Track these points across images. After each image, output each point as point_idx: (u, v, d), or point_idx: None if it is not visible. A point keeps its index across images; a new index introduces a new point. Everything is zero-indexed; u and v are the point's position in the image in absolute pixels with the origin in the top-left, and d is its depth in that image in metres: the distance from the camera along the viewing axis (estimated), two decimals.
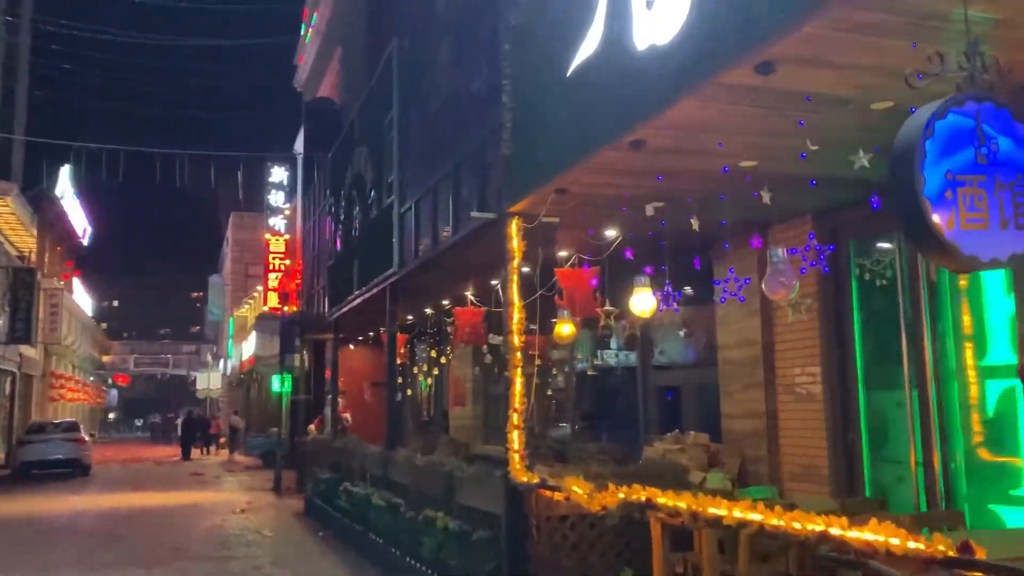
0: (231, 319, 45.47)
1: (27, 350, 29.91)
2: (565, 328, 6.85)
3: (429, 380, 16.66)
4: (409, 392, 17.90)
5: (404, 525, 8.73)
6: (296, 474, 18.22)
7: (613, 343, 12.64)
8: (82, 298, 47.71)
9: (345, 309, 14.31)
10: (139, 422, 73.63)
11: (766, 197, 5.24)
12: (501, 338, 11.26)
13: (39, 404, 35.36)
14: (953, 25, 3.51)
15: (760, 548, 5.60)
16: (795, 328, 7.47)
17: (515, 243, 6.95)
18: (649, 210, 5.60)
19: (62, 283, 36.89)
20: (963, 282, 6.22)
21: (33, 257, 29.45)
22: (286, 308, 20.50)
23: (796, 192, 6.21)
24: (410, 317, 15.03)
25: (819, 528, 3.64)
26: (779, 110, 4.61)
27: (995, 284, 6.15)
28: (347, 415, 18.46)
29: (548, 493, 6.31)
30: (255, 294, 38.95)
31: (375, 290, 12.01)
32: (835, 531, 3.73)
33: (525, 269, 6.94)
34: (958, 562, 3.21)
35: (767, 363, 7.68)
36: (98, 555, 10.26)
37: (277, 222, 28.11)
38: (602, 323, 6.97)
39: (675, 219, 6.87)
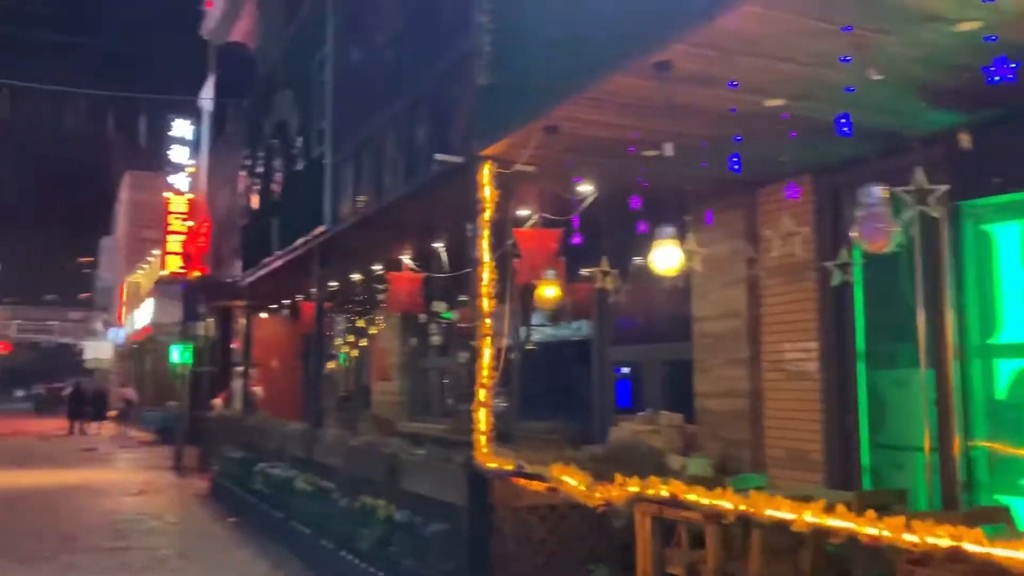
0: (124, 285, 42.65)
1: None
2: (549, 290, 5.93)
3: (352, 352, 15.50)
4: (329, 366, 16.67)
5: (336, 513, 7.70)
6: (199, 452, 16.78)
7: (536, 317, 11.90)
8: None
9: (261, 273, 12.99)
10: (21, 393, 68.87)
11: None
12: (445, 305, 10.32)
13: None
14: None
15: (769, 545, 4.89)
16: (786, 299, 6.79)
17: (486, 192, 5.98)
18: (668, 150, 4.71)
19: None
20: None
21: None
22: (189, 273, 18.88)
23: (805, 143, 5.48)
24: (333, 284, 13.81)
25: (946, 543, 2.85)
26: (849, 25, 3.80)
27: (1011, 255, 5.59)
28: (258, 389, 17.10)
29: (525, 482, 5.43)
30: (151, 258, 36.47)
31: (299, 251, 10.80)
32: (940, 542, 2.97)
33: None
34: None
35: (751, 337, 6.99)
36: None
37: (179, 180, 26.06)
38: (599, 285, 6.07)
39: (662, 171, 6.05)
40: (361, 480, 8.05)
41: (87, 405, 30.09)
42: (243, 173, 14.44)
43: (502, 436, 10.20)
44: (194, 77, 27.02)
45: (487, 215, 5.98)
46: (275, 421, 11.53)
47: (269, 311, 17.54)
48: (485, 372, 5.90)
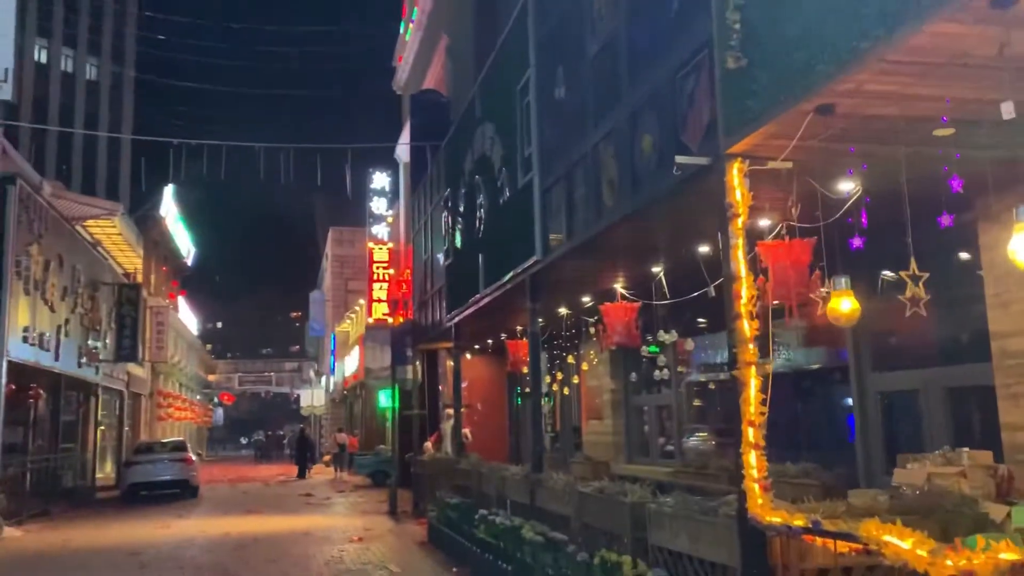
0: (332, 335, 44.98)
1: (134, 368, 29.69)
2: (845, 303, 4.91)
3: (563, 390, 14.87)
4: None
5: (571, 568, 6.96)
6: (413, 496, 16.74)
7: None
8: (187, 317, 48.18)
9: (467, 312, 12.70)
10: (244, 440, 74.46)
11: None
12: (669, 335, 9.43)
13: (147, 423, 35.37)
14: None
15: None
16: None
17: (738, 195, 5.11)
18: (1008, 111, 3.66)
19: (167, 302, 36.91)
20: None
21: (139, 276, 29.28)
22: (393, 319, 19.16)
23: None
24: (540, 319, 13.31)
25: None
26: None
27: None
28: (467, 431, 16.85)
29: (820, 541, 4.43)
30: (357, 308, 38.20)
31: (508, 286, 10.33)
32: None
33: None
34: None
35: None
36: None
37: (380, 230, 27.01)
38: (909, 294, 4.99)
39: (969, 149, 4.94)
40: (597, 531, 7.29)
41: (312, 450, 31.56)
42: (444, 213, 14.34)
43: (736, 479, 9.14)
44: (391, 130, 28.03)
45: (740, 222, 5.10)
46: (492, 465, 11.05)
47: (475, 351, 17.37)
48: (752, 407, 4.97)
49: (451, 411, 16.42)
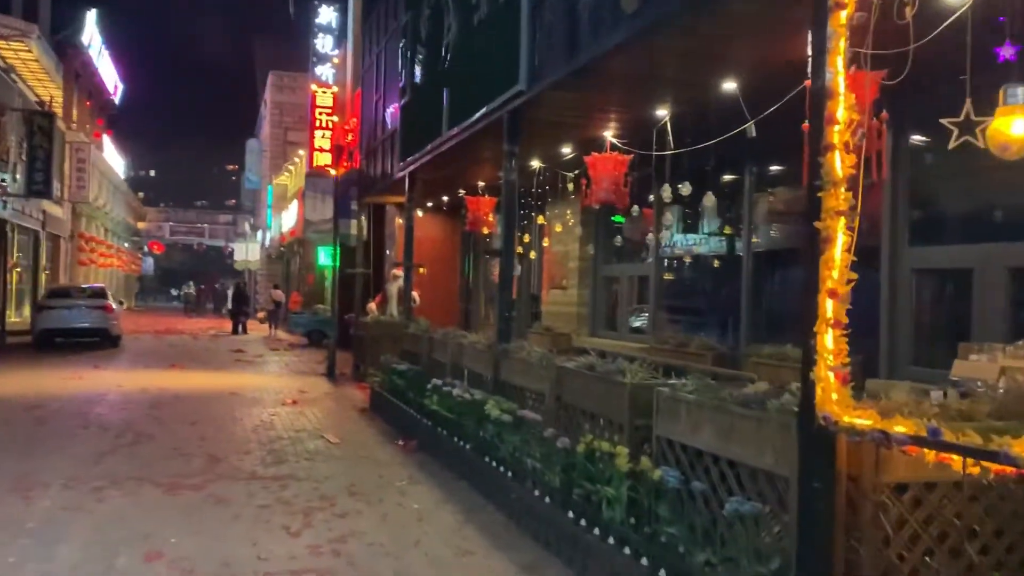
0: (270, 187, 42.64)
1: (52, 207, 27.31)
2: (1019, 124, 3.54)
3: (530, 254, 13.55)
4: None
5: (549, 456, 5.81)
6: (353, 359, 15.57)
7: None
8: (114, 160, 44.96)
9: (425, 159, 11.12)
10: (175, 292, 72.25)
11: None
12: (684, 187, 8.06)
13: (68, 267, 33.16)
14: None
15: None
16: None
17: None
18: None
19: (89, 138, 33.98)
20: None
21: (56, 107, 26.47)
22: (336, 169, 17.34)
23: None
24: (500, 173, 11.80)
25: None
26: None
27: None
28: (415, 294, 15.56)
29: (909, 450, 3.26)
30: (296, 160, 35.88)
31: (479, 126, 8.78)
32: None
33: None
34: None
35: None
36: (106, 464, 7.57)
37: (325, 71, 24.63)
38: (956, 141, 3.69)
39: None
40: (578, 414, 6.13)
41: (246, 305, 30.03)
42: (403, 44, 12.45)
43: (730, 361, 8.04)
44: None
45: (845, 15, 3.65)
46: (447, 331, 9.81)
47: (426, 209, 15.85)
48: (835, 271, 3.67)
49: (399, 271, 15.06)
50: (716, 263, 9.52)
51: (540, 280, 13.90)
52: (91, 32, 36.39)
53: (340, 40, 24.83)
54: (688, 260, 9.89)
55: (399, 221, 17.34)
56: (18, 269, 26.15)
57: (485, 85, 8.50)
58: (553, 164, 10.30)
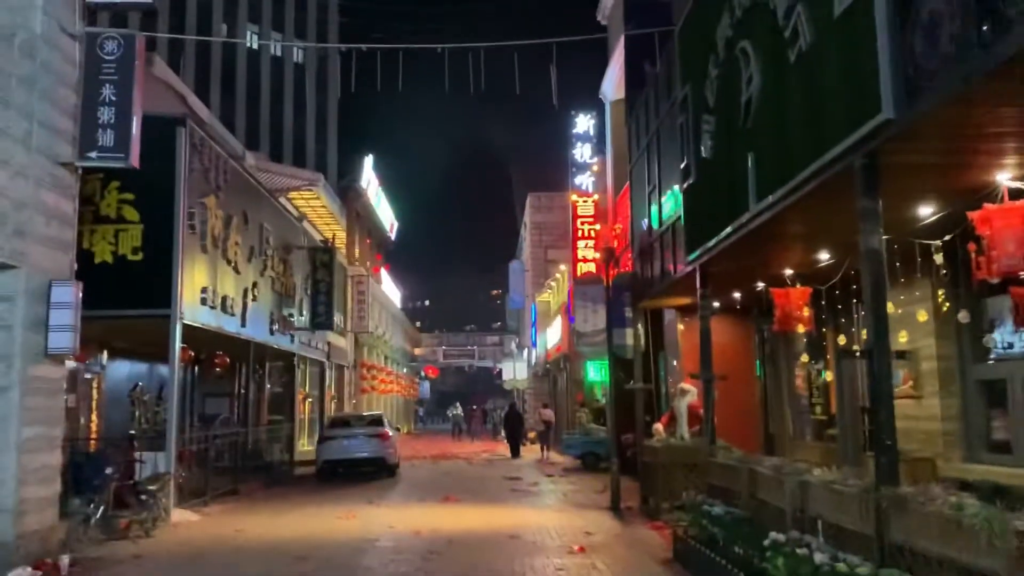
0: (533, 306, 42.57)
1: (335, 338, 28.53)
2: None
3: (853, 353, 10.84)
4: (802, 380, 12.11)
5: None
6: (640, 489, 13.45)
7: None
8: (392, 292, 47.65)
9: (725, 244, 9.08)
10: (449, 414, 74.73)
11: None
12: None
13: (351, 395, 34.54)
14: None
15: None
16: None
17: None
18: None
19: (367, 271, 35.93)
20: None
21: (340, 244, 28.05)
22: (607, 272, 15.74)
23: None
24: (824, 255, 9.44)
25: None
26: None
27: None
28: (701, 411, 13.28)
29: None
30: (557, 276, 35.36)
31: (811, 185, 6.64)
32: None
33: None
34: None
35: None
36: None
37: (584, 180, 23.73)
38: None
39: None
40: None
41: (521, 426, 29.17)
42: (681, 121, 10.73)
43: None
44: (596, 71, 24.57)
45: None
46: (784, 465, 7.43)
47: (715, 309, 13.65)
48: None
49: (688, 384, 12.88)
50: None
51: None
52: (368, 176, 39.27)
53: (598, 148, 23.98)
54: None
55: (680, 327, 15.27)
56: (310, 400, 27.27)
57: (814, 134, 6.42)
58: (899, 232, 7.80)
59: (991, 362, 8.88)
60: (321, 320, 22.66)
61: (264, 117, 57.71)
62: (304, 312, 22.34)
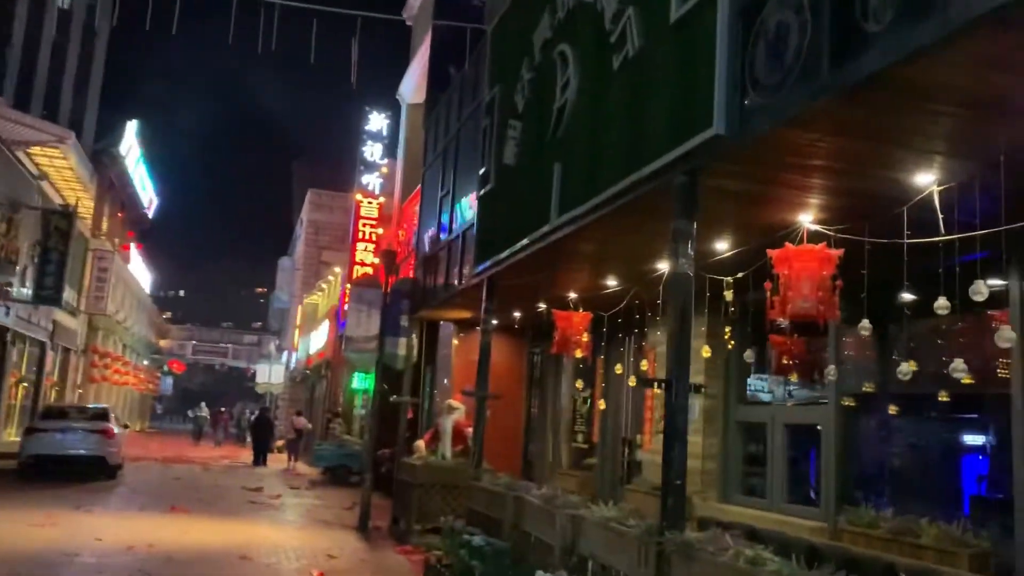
0: (299, 307, 40.52)
1: (63, 317, 25.10)
2: None
3: (626, 385, 10.76)
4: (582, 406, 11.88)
5: None
6: (392, 508, 12.62)
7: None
8: (141, 275, 43.30)
9: (519, 257, 8.55)
10: (190, 414, 69.55)
11: None
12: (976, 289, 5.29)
13: (77, 383, 30.61)
14: None
15: None
16: None
17: None
18: None
19: (114, 248, 32.22)
20: None
21: (84, 213, 24.79)
22: (383, 279, 14.87)
23: None
24: (612, 281, 9.23)
25: None
26: None
27: None
28: (469, 430, 12.74)
29: None
30: (330, 278, 33.82)
31: (621, 201, 6.23)
32: None
33: None
34: None
35: None
36: None
37: (372, 180, 22.76)
38: None
39: None
40: None
41: (270, 434, 27.08)
42: (486, 124, 10.17)
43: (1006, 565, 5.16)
44: (394, 71, 23.73)
45: None
46: (556, 496, 6.91)
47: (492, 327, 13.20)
48: None
49: (457, 401, 12.27)
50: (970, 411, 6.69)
51: (637, 420, 11.06)
52: (131, 142, 35.45)
53: (390, 150, 23.12)
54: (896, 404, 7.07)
55: (455, 342, 14.69)
56: (25, 384, 23.69)
57: (634, 146, 6.03)
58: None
59: (752, 404, 9.05)
60: (48, 294, 19.70)
61: (13, 59, 50.83)
62: (28, 283, 19.32)
